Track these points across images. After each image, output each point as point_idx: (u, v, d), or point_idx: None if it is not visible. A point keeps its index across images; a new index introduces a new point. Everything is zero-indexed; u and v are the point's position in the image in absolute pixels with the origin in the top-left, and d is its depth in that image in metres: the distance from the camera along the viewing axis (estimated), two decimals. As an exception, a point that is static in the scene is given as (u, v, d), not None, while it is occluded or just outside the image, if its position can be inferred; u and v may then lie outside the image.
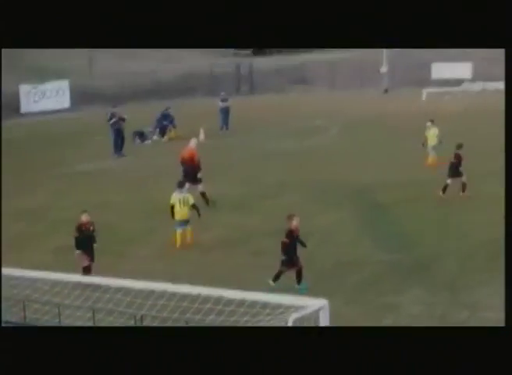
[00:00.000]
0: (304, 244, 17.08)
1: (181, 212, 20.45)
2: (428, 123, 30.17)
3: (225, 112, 43.02)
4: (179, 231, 20.51)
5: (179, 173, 24.31)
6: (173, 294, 11.52)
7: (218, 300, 11.34)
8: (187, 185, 22.52)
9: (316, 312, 10.93)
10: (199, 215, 20.70)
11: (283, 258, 16.85)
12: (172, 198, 20.62)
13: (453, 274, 17.44)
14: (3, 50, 36.00)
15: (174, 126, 40.53)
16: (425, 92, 55.35)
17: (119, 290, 12.01)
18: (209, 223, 21.87)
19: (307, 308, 10.96)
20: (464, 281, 16.97)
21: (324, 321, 10.96)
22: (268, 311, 11.23)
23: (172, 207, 20.51)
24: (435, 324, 14.60)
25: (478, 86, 59.64)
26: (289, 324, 10.66)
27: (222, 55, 71.10)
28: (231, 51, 75.68)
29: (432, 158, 29.77)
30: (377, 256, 18.88)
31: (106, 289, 12.28)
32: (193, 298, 11.46)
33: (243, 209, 24.15)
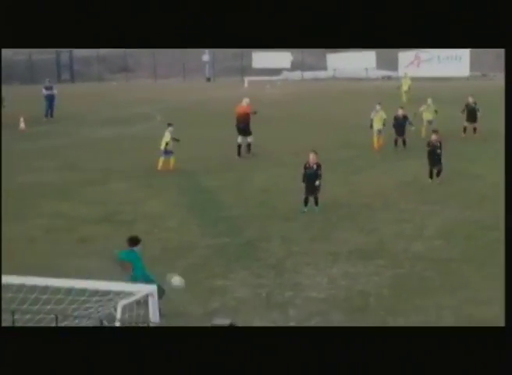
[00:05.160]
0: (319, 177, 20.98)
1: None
2: (378, 107, 30.10)
3: (51, 99, 42.10)
4: (162, 158, 26.99)
5: None
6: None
7: (43, 289, 11.05)
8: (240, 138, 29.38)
9: (145, 298, 10.97)
10: (178, 140, 27.20)
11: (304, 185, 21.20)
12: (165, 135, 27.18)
13: (278, 257, 17.78)
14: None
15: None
16: (247, 80, 56.32)
17: None
18: (35, 212, 21.46)
19: (135, 294, 10.96)
20: (288, 263, 17.34)
21: (153, 307, 11.00)
22: (96, 298, 11.07)
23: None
24: (260, 305, 14.92)
25: (296, 75, 61.24)
26: (119, 310, 10.60)
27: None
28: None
29: (377, 140, 29.93)
30: (204, 241, 19.00)
31: None
32: (18, 288, 11.10)
33: (69, 196, 23.69)
